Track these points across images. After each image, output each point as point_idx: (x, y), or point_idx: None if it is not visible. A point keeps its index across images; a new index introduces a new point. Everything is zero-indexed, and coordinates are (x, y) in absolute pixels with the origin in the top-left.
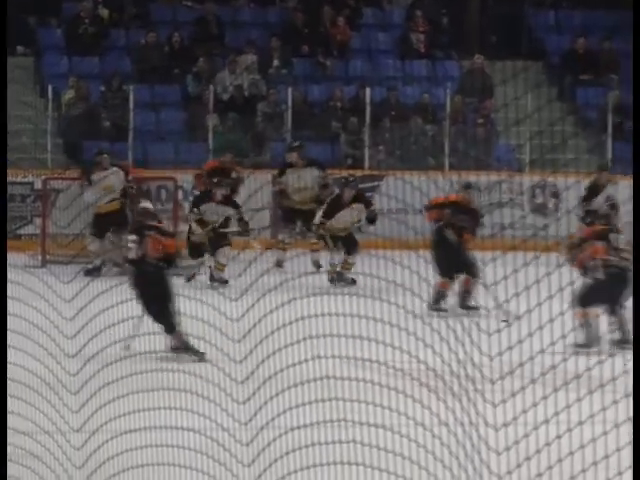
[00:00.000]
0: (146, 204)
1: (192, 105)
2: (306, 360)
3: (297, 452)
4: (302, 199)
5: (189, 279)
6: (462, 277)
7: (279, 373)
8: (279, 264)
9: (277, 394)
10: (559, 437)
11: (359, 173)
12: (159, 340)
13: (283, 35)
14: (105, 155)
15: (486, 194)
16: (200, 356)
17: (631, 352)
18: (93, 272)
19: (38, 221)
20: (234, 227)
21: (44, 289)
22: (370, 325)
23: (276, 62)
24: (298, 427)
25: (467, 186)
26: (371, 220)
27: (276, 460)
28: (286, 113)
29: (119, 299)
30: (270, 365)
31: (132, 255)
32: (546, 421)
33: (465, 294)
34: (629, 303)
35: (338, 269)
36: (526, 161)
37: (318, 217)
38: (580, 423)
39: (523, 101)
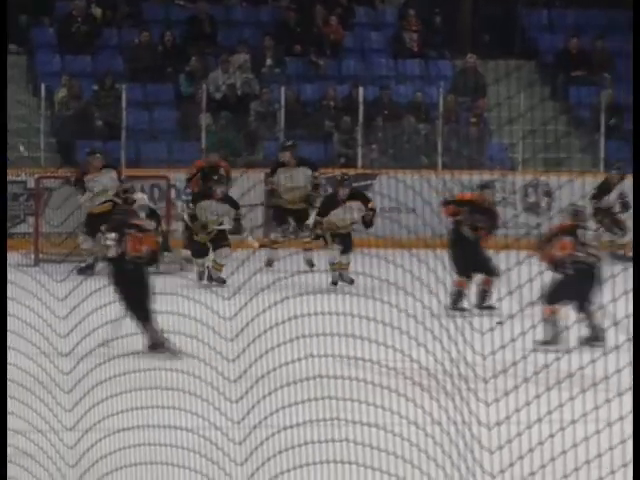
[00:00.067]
0: (139, 195)
1: (185, 104)
2: (299, 359)
3: (290, 451)
4: (292, 198)
5: (200, 277)
6: (480, 277)
7: (272, 372)
8: (269, 263)
9: (270, 393)
10: (552, 436)
11: (352, 172)
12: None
13: (276, 34)
14: (98, 155)
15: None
16: (178, 354)
17: (593, 348)
18: (86, 270)
19: (31, 220)
20: (227, 225)
21: (37, 288)
22: (363, 324)
23: (269, 61)
24: (291, 426)
25: (484, 186)
26: (367, 224)
27: (269, 459)
28: (279, 112)
29: (112, 297)
30: (263, 364)
31: (112, 253)
32: (539, 420)
33: (484, 294)
34: (598, 299)
35: (338, 270)
36: (519, 160)
37: (313, 217)
38: (573, 422)
39: (516, 100)
